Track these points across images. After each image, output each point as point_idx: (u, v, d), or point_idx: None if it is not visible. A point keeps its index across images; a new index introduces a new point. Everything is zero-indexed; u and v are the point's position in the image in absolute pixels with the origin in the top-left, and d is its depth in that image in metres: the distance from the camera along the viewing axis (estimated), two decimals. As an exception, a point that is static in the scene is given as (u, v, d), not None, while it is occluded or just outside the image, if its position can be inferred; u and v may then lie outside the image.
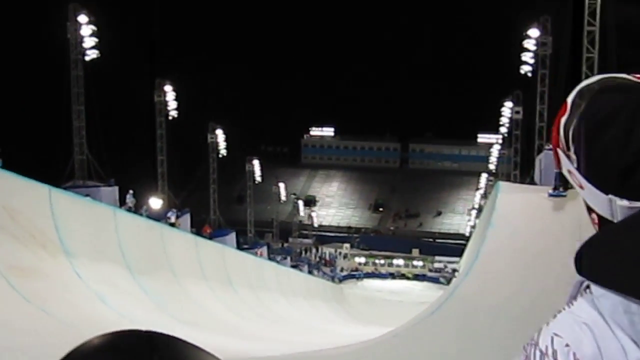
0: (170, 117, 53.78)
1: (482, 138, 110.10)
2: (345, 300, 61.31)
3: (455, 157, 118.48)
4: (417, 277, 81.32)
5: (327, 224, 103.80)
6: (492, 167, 76.00)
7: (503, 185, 20.97)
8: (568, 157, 1.57)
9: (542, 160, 25.33)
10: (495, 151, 72.84)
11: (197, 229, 41.22)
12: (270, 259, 54.40)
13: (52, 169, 40.23)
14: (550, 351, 1.45)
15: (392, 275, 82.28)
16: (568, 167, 1.57)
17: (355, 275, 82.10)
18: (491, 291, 15.36)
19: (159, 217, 33.44)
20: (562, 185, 18.95)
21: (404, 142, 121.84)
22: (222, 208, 63.94)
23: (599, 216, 1.56)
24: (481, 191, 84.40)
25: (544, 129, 45.38)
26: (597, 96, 1.55)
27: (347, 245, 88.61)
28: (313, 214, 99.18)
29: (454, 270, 50.01)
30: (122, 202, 34.10)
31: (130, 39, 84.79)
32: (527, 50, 46.87)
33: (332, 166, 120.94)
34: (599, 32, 36.59)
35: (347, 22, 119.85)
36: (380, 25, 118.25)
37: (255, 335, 22.30)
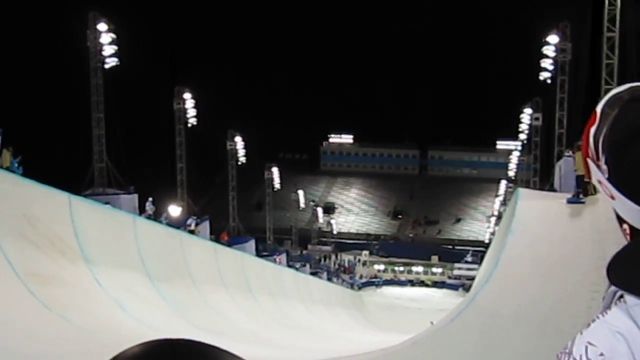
0: (189, 125, 53.90)
1: (502, 145, 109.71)
2: (365, 307, 61.23)
3: (474, 163, 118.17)
4: (437, 284, 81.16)
5: (346, 231, 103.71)
6: (511, 173, 75.73)
7: (523, 192, 20.87)
8: (598, 167, 1.56)
9: (562, 167, 25.19)
10: (514, 158, 72.61)
11: (217, 236, 41.21)
12: (289, 266, 54.37)
13: (72, 176, 40.37)
14: None
15: (411, 283, 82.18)
16: (598, 177, 1.56)
17: (374, 282, 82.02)
18: (511, 298, 15.29)
19: (178, 224, 33.49)
20: (581, 192, 18.86)
21: (423, 149, 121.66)
22: (241, 215, 64.00)
23: (631, 227, 1.54)
24: (500, 198, 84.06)
25: (563, 135, 45.20)
26: (627, 105, 1.53)
27: (366, 252, 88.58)
28: (332, 221, 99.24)
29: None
30: (141, 210, 34.17)
31: (149, 46, 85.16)
32: (547, 56, 46.67)
33: (351, 173, 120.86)
34: (619, 37, 36.41)
35: (367, 30, 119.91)
36: (399, 33, 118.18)
37: (274, 342, 22.29)
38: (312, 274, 61.57)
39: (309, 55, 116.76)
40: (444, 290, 78.42)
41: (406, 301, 70.29)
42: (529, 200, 19.66)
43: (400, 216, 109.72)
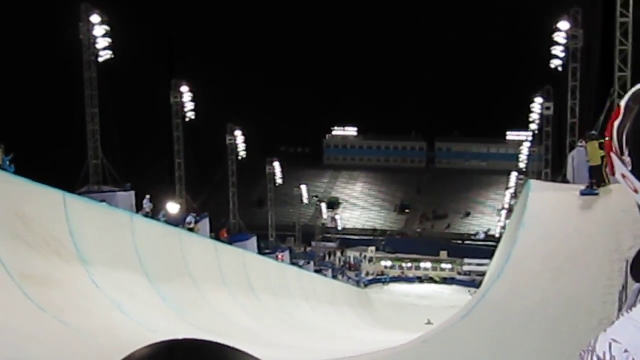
0: (187, 119, 53.88)
1: (512, 135, 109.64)
2: (371, 305, 61.21)
3: (483, 155, 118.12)
4: (446, 281, 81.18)
5: (351, 226, 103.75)
6: (522, 165, 75.72)
7: (534, 183, 20.86)
8: (622, 161, 1.56)
9: (574, 157, 25.18)
10: (525, 149, 72.58)
11: (217, 233, 41.31)
12: (292, 263, 54.42)
13: (66, 174, 40.41)
14: (608, 357, 1.43)
15: (420, 279, 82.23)
16: (622, 170, 1.56)
17: (381, 279, 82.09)
18: (523, 294, 15.28)
19: (176, 222, 33.52)
20: (594, 183, 18.86)
21: (430, 141, 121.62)
22: (241, 212, 63.99)
23: None
24: (511, 190, 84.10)
25: (575, 124, 45.15)
26: None
27: (372, 248, 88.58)
28: (336, 217, 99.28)
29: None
30: (138, 207, 34.21)
31: (145, 38, 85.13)
32: (557, 43, 46.55)
33: (355, 167, 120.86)
34: (632, 23, 36.30)
35: (371, 19, 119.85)
36: (404, 21, 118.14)
37: (278, 342, 22.30)
38: (316, 271, 61.60)
39: (311, 45, 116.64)
40: (454, 287, 78.43)
41: (414, 298, 70.29)
42: (540, 192, 19.65)
43: (407, 210, 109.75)
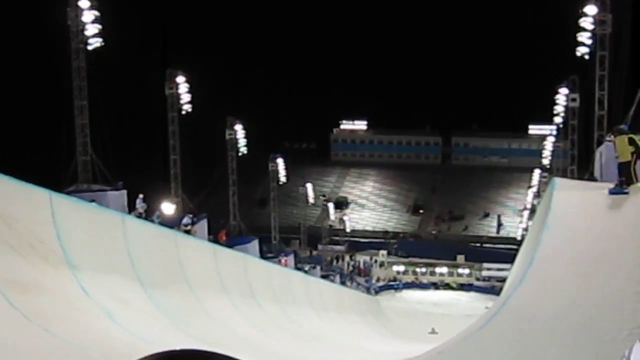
0: (183, 112, 53.93)
1: (534, 129, 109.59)
2: (383, 313, 61.19)
3: (504, 151, 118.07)
4: (463, 287, 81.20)
5: (360, 228, 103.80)
6: (546, 161, 75.68)
7: (559, 181, 20.81)
8: None
9: (603, 153, 25.11)
10: (549, 144, 72.56)
11: (215, 236, 41.29)
12: (297, 268, 54.41)
13: (52, 171, 40.47)
14: None
15: (435, 285, 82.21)
16: None
17: (393, 285, 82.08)
18: (548, 301, 15.24)
19: (172, 223, 33.52)
20: (624, 181, 18.78)
21: (446, 136, 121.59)
22: (242, 212, 64.10)
23: None
24: (534, 189, 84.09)
25: (604, 117, 45.06)
26: None
27: (384, 252, 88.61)
28: (345, 218, 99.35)
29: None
30: (131, 208, 34.22)
31: (138, 25, 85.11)
32: (584, 29, 46.44)
33: (365, 164, 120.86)
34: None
35: (383, 4, 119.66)
36: (418, 7, 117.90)
37: (281, 354, 22.31)
38: (324, 277, 61.65)
39: (317, 32, 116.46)
40: (472, 294, 78.40)
41: (429, 306, 70.28)
42: (566, 191, 19.61)
43: (421, 211, 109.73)
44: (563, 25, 51.39)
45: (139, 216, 30.80)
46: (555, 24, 66.73)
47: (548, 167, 73.69)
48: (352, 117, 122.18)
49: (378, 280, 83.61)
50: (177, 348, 1.21)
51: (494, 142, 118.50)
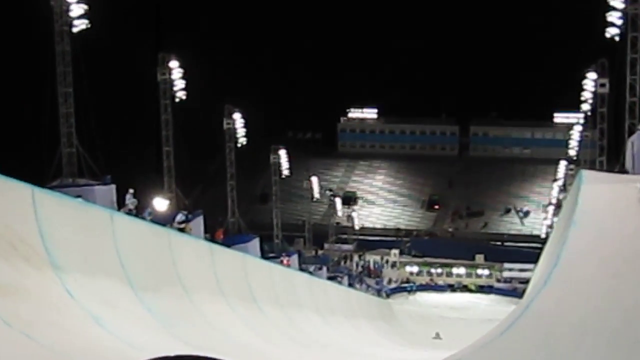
0: (177, 100, 53.89)
1: (560, 118, 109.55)
2: (395, 318, 61.25)
3: (526, 141, 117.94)
4: (483, 289, 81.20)
5: (370, 225, 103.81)
6: (572, 153, 75.56)
7: (587, 174, 20.78)
8: None
9: (635, 143, 25.05)
10: (576, 133, 72.40)
11: (212, 234, 41.30)
12: (301, 269, 54.44)
13: (35, 164, 40.48)
14: None
15: (452, 288, 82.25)
16: None
17: (406, 287, 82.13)
18: (575, 305, 15.21)
19: (165, 220, 33.50)
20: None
21: (464, 125, 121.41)
22: (242, 209, 64.10)
23: None
24: (559, 183, 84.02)
25: (635, 104, 44.96)
26: None
27: (396, 251, 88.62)
28: (353, 214, 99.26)
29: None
30: (120, 204, 34.20)
31: (127, 5, 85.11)
32: (614, 8, 46.30)
33: (375, 155, 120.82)
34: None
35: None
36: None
37: (285, 363, 22.33)
38: (330, 278, 61.63)
39: (322, 13, 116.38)
40: (492, 297, 78.42)
41: (445, 310, 70.31)
42: (594, 184, 19.57)
43: (436, 207, 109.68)
44: (591, 3, 51.28)
45: (129, 213, 30.76)
46: (582, 3, 66.66)
47: (575, 158, 73.61)
48: (361, 105, 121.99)
49: (390, 282, 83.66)
50: (172, 355, 1.23)
51: (515, 131, 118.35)
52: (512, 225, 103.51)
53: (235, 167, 61.33)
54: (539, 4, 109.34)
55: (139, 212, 32.94)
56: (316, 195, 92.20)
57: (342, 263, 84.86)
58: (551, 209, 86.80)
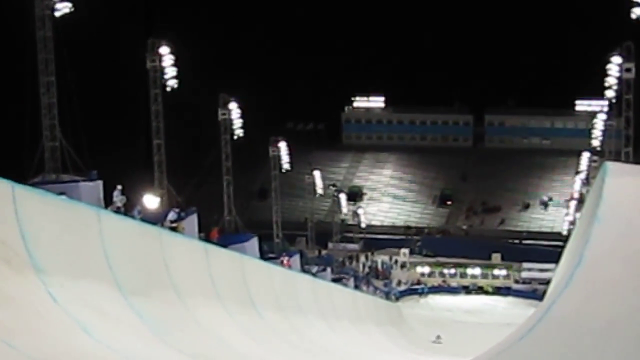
0: (168, 89, 53.84)
1: (582, 105, 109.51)
2: (405, 323, 61.31)
3: (546, 131, 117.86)
4: (500, 291, 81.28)
5: (378, 223, 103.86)
6: (596, 143, 75.53)
7: (611, 166, 20.75)
8: None
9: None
10: (599, 122, 72.40)
11: (207, 233, 41.36)
12: (303, 271, 54.50)
13: (15, 159, 40.50)
14: None
15: (466, 290, 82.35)
16: None
17: (417, 290, 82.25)
18: (600, 308, 15.18)
19: (156, 219, 33.56)
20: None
21: (479, 114, 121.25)
22: (239, 206, 64.11)
23: None
24: (582, 175, 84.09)
25: (664, 90, 44.96)
26: None
27: (406, 250, 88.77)
28: (359, 211, 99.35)
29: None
30: (108, 201, 34.25)
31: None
32: (640, -13, 46.32)
33: (383, 147, 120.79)
34: None
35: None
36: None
37: (286, 372, 22.35)
38: (335, 280, 61.71)
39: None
40: (510, 299, 78.49)
41: (460, 314, 70.44)
42: (620, 177, 19.54)
43: (449, 202, 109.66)
44: (615, -18, 51.26)
45: (117, 211, 30.82)
46: (606, -19, 66.59)
47: (598, 149, 73.62)
48: (367, 93, 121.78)
49: (399, 283, 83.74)
50: None
51: (534, 120, 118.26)
52: (531, 222, 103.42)
53: (231, 161, 61.28)
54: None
55: (127, 210, 33.01)
56: (319, 190, 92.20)
57: (348, 264, 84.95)
58: (573, 204, 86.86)
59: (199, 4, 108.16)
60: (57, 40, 43.09)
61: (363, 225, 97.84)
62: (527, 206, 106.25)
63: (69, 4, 42.97)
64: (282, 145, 71.98)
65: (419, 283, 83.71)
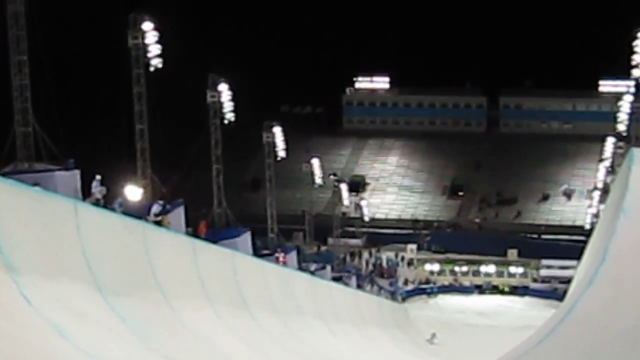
0: (152, 68, 53.80)
1: (606, 86, 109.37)
2: (412, 326, 61.42)
3: (567, 114, 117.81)
4: (516, 291, 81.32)
5: (382, 216, 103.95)
6: (621, 127, 75.57)
7: (639, 153, 20.81)
8: None
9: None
10: (625, 105, 72.43)
11: (195, 228, 41.38)
12: (301, 269, 54.54)
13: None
14: None
15: (480, 289, 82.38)
16: None
17: (425, 289, 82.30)
18: (626, 308, 15.22)
19: (139, 212, 33.54)
20: None
21: (493, 96, 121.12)
22: (230, 197, 64.09)
23: None
24: (606, 163, 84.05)
25: (696, 69, 44.95)
26: None
27: (413, 246, 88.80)
28: (362, 203, 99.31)
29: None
30: (86, 193, 34.25)
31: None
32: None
33: (387, 133, 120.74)
34: None
35: None
36: None
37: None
38: (335, 279, 61.76)
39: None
40: (527, 299, 78.55)
41: (472, 316, 70.50)
42: (648, 165, 19.57)
43: (461, 193, 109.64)
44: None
45: (96, 203, 30.81)
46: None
47: (624, 134, 73.63)
48: (371, 72, 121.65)
49: (406, 283, 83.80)
50: None
51: (554, 102, 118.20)
52: (550, 214, 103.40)
53: (221, 148, 61.31)
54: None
55: (107, 202, 33.01)
56: (318, 180, 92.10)
57: (349, 261, 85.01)
58: (597, 194, 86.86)
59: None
60: (29, 15, 43.05)
61: (366, 218, 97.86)
62: (546, 197, 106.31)
63: (43, -24, 42.98)
64: (277, 131, 71.85)
65: (427, 282, 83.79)
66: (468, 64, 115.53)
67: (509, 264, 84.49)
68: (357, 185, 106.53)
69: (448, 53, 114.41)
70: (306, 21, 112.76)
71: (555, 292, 72.84)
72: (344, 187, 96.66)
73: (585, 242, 27.95)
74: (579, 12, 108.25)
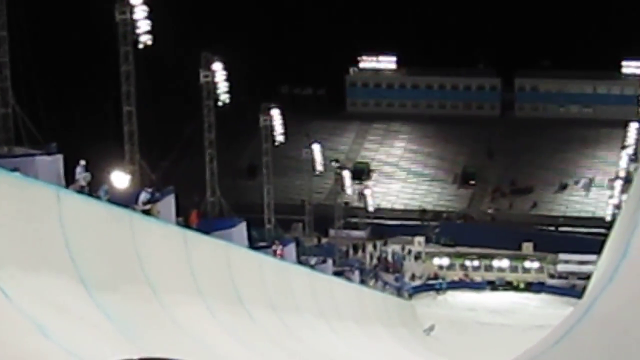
0: (141, 46, 53.71)
1: (630, 67, 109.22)
2: (419, 324, 61.45)
3: (587, 97, 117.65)
4: (532, 287, 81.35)
5: (388, 206, 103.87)
6: (646, 112, 75.56)
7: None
8: None
9: None
10: (650, 87, 72.38)
11: (186, 217, 41.41)
12: (300, 262, 54.57)
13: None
14: None
15: (492, 285, 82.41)
16: None
17: (434, 285, 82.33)
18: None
19: (127, 201, 33.56)
20: None
21: (508, 77, 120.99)
22: (224, 185, 64.07)
23: None
24: (629, 150, 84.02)
25: None
26: None
27: (421, 239, 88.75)
28: (366, 192, 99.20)
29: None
30: (69, 179, 34.25)
31: None
32: None
33: (394, 116, 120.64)
34: None
35: None
36: None
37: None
38: (337, 274, 61.81)
39: None
40: (543, 296, 78.58)
41: (484, 314, 70.55)
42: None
43: (472, 182, 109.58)
44: None
45: (80, 191, 30.81)
46: None
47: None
48: (376, 51, 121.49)
49: (413, 278, 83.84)
50: (135, 357, 1.25)
51: (573, 85, 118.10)
52: (569, 205, 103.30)
53: (215, 132, 61.30)
54: None
55: (92, 189, 33.00)
56: (319, 167, 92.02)
57: (352, 254, 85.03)
58: (619, 184, 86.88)
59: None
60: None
61: (370, 208, 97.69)
62: (564, 187, 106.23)
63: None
64: (275, 114, 71.71)
65: (436, 277, 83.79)
66: (481, 42, 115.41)
67: (523, 258, 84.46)
68: (361, 173, 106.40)
69: (459, 31, 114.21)
70: (308, 2, 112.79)
71: (573, 288, 72.91)
72: (346, 174, 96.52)
73: (605, 236, 28.02)
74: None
